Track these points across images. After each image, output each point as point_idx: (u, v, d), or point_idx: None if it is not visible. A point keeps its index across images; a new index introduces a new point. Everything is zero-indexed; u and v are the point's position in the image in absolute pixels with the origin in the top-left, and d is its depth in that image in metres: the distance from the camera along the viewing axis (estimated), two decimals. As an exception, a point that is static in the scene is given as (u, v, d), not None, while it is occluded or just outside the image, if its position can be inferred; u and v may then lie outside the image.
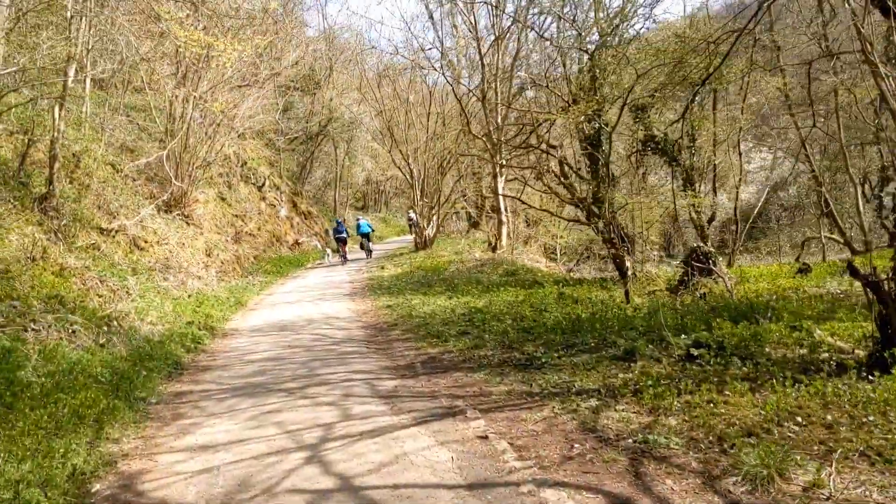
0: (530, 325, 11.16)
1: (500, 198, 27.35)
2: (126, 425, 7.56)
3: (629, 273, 13.83)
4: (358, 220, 33.01)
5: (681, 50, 11.66)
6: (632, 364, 8.38)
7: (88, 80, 20.11)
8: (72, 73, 16.28)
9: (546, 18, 23.98)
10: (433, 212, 31.06)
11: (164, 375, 10.16)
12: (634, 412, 6.78)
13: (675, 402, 6.72)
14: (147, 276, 17.45)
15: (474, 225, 37.96)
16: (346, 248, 29.86)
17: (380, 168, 50.17)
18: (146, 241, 19.79)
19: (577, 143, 20.04)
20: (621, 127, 18.03)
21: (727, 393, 6.82)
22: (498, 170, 27.23)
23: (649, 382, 7.32)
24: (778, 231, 36.79)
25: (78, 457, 6.37)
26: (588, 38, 17.14)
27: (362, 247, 31.42)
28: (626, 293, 13.54)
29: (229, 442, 6.81)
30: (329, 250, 31.16)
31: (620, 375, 8.01)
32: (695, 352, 8.01)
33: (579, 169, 18.04)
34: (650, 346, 8.96)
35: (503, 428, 6.67)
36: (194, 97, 23.52)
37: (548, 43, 20.45)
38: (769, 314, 9.86)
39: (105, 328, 11.58)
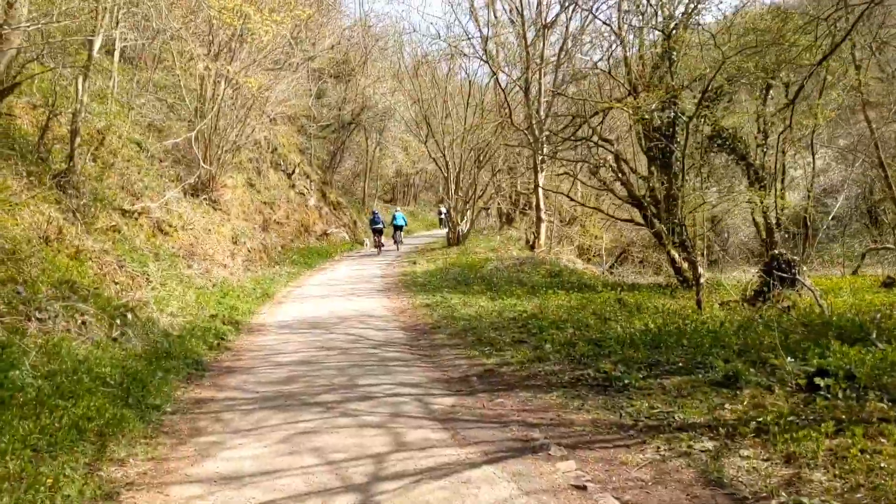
0: (598, 337, 9.73)
1: (541, 194, 25.89)
2: (135, 440, 6.26)
3: (701, 280, 12.34)
4: (395, 212, 33.70)
5: (782, 28, 10.21)
6: (737, 392, 6.96)
7: (117, 54, 18.92)
8: (98, 43, 15.10)
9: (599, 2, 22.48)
10: (467, 206, 29.68)
11: (182, 377, 8.87)
12: (765, 459, 5.36)
13: (817, 449, 5.29)
14: (170, 263, 16.24)
15: (508, 221, 36.53)
16: (382, 238, 30.49)
17: (410, 160, 48.83)
18: (170, 226, 18.59)
19: (632, 137, 18.54)
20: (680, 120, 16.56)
21: (882, 441, 5.38)
22: (539, 164, 25.79)
23: (771, 419, 5.90)
24: (826, 241, 34.98)
25: (72, 486, 5.08)
26: (653, 21, 15.66)
27: (394, 238, 31.93)
28: (699, 302, 12.08)
29: (258, 473, 5.48)
30: (367, 239, 32.49)
31: (728, 406, 6.58)
32: (820, 382, 6.57)
33: (632, 165, 16.59)
34: (752, 369, 7.51)
35: (601, 473, 5.28)
36: (226, 76, 22.33)
37: (604, 27, 18.98)
38: (882, 335, 8.38)
39: (120, 320, 10.32)
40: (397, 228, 31.62)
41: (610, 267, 32.38)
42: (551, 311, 12.37)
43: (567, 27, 24.77)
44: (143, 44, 21.58)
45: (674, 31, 12.93)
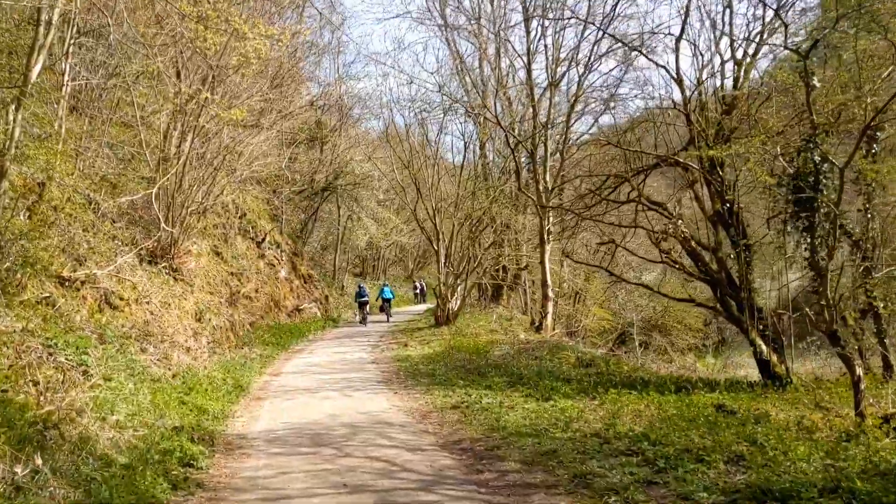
0: (780, 486, 6.20)
1: (547, 269, 22.66)
2: None
3: (861, 385, 8.99)
4: (383, 286, 34.80)
5: None
6: None
7: (65, 89, 15.45)
8: (38, 65, 11.69)
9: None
10: (458, 282, 26.27)
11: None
12: None
13: None
14: (118, 347, 12.47)
15: (494, 299, 33.13)
16: (367, 311, 30.92)
17: (383, 232, 45.48)
18: (122, 299, 14.88)
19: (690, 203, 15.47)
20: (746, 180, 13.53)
21: None
22: (546, 236, 22.65)
23: None
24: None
25: None
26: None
27: (382, 310, 32.69)
28: (860, 414, 8.74)
29: None
30: (355, 312, 32.59)
31: None
32: None
33: (690, 238, 13.38)
34: None
35: None
36: (195, 126, 18.99)
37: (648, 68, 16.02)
38: None
39: (33, 446, 6.57)
40: (386, 301, 32.17)
41: (612, 348, 29.10)
42: (656, 430, 8.88)
43: (581, 83, 21.98)
44: (98, 84, 18.23)
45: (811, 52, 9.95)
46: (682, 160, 13.67)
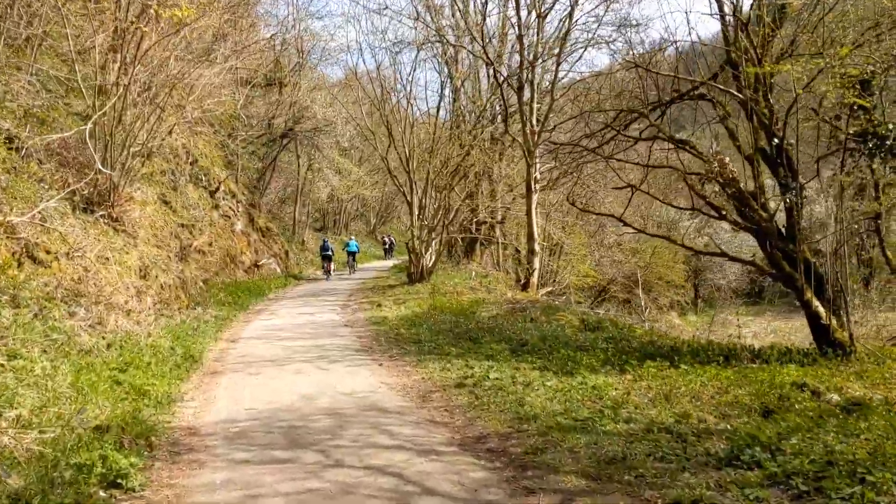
0: None
1: (534, 221, 20.43)
2: None
3: None
4: (349, 239, 34.73)
5: None
6: None
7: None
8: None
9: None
10: (433, 236, 23.91)
11: None
12: None
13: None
14: (37, 312, 9.97)
15: (467, 255, 30.86)
16: (331, 265, 30.85)
17: (345, 185, 42.74)
18: (48, 252, 12.30)
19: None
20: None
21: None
22: (533, 184, 20.37)
23: None
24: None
25: None
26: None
27: (348, 264, 32.85)
28: None
29: None
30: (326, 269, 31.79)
31: None
32: None
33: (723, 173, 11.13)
34: None
35: None
36: (136, 54, 16.21)
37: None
38: None
39: None
40: (351, 254, 32.46)
41: (591, 305, 27.19)
42: (715, 412, 6.78)
43: (572, 15, 19.51)
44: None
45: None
46: (720, 86, 11.42)
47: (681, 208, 18.45)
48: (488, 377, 9.61)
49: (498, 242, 32.09)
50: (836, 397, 7.64)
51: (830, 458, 5.25)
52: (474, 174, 24.25)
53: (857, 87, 9.47)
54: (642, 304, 21.83)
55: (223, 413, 8.11)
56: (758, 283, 31.50)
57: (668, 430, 6.63)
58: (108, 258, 14.40)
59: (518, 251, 35.51)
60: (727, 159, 10.77)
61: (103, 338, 10.80)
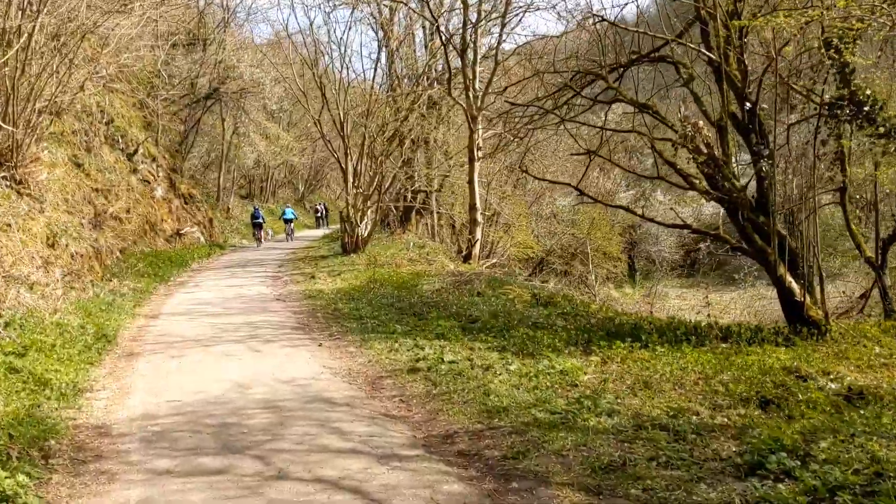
0: None
1: (476, 190, 19.45)
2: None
3: None
4: (285, 207, 36.01)
5: None
6: None
7: None
8: None
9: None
10: (368, 204, 22.70)
11: None
12: None
13: None
14: (-84, 286, 8.54)
15: (401, 224, 29.68)
16: (262, 233, 30.86)
17: (272, 151, 40.79)
18: (-65, 217, 10.75)
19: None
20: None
21: None
22: (476, 152, 19.37)
23: None
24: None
25: None
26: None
27: (286, 232, 32.67)
28: None
29: None
30: (269, 232, 33.25)
31: None
32: None
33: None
34: None
35: None
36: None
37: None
38: None
39: None
40: (287, 222, 32.32)
41: (528, 277, 26.49)
42: (705, 401, 5.99)
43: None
44: None
45: None
46: (691, 44, 10.58)
47: (644, 176, 17.76)
48: (443, 360, 8.62)
49: (434, 212, 31.08)
50: (831, 385, 6.94)
51: (877, 468, 4.44)
52: (411, 141, 23.06)
53: (845, 47, 8.72)
54: (593, 277, 20.98)
55: (140, 406, 6.90)
56: (692, 255, 31.42)
57: (662, 427, 5.76)
58: (9, 224, 12.84)
59: (454, 221, 34.61)
60: (701, 123, 9.97)
61: (0, 315, 9.37)
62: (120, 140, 23.38)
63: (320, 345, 9.99)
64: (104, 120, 22.28)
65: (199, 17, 30.01)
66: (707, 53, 10.30)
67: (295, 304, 14.08)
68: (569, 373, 7.76)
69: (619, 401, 6.67)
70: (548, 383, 7.43)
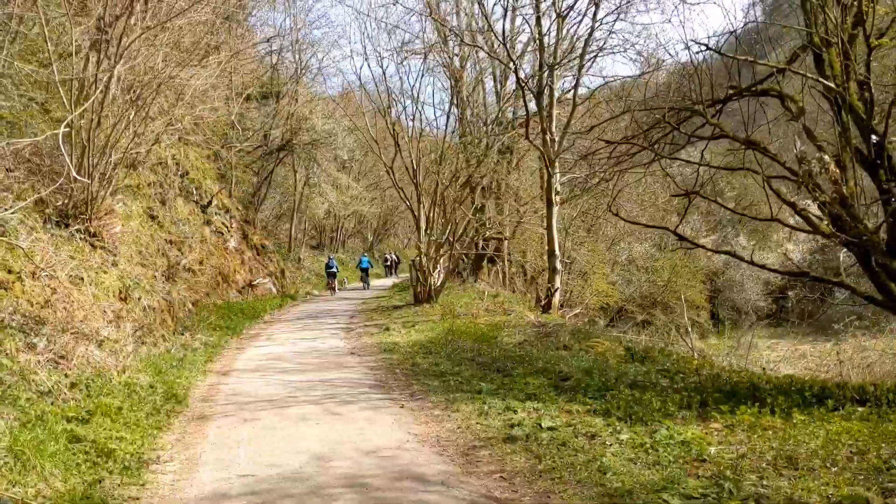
0: None
1: (555, 236, 18.52)
2: None
3: None
4: (361, 256, 37.94)
5: None
6: None
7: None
8: None
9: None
10: (441, 253, 21.98)
11: None
12: None
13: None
14: (-19, 346, 8.02)
15: (473, 272, 28.88)
16: (335, 282, 31.54)
17: (343, 201, 40.73)
18: (9, 271, 10.40)
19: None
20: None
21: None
22: (553, 196, 18.50)
23: None
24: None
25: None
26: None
27: (361, 279, 33.91)
28: None
29: None
30: (345, 280, 34.26)
31: None
32: None
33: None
34: None
35: None
36: (116, 49, 14.39)
37: None
38: None
39: None
40: (364, 270, 33.75)
41: (606, 327, 25.24)
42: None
43: (595, 13, 17.77)
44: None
45: None
46: (808, 73, 9.55)
47: (759, 219, 16.45)
48: (540, 425, 7.65)
49: (506, 260, 30.22)
50: None
51: None
52: (482, 188, 22.34)
53: None
54: (689, 328, 19.44)
55: (210, 483, 6.11)
56: (780, 304, 29.62)
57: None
58: (81, 278, 12.47)
59: (525, 269, 33.64)
60: (827, 157, 8.88)
61: (66, 375, 8.81)
62: (194, 192, 23.33)
63: (402, 406, 9.12)
64: (179, 172, 22.26)
65: (273, 69, 30.19)
66: (823, 82, 9.25)
67: (370, 358, 13.30)
68: (692, 444, 6.70)
69: (763, 482, 5.59)
70: (670, 457, 6.39)
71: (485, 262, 29.07)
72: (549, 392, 9.50)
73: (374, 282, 38.78)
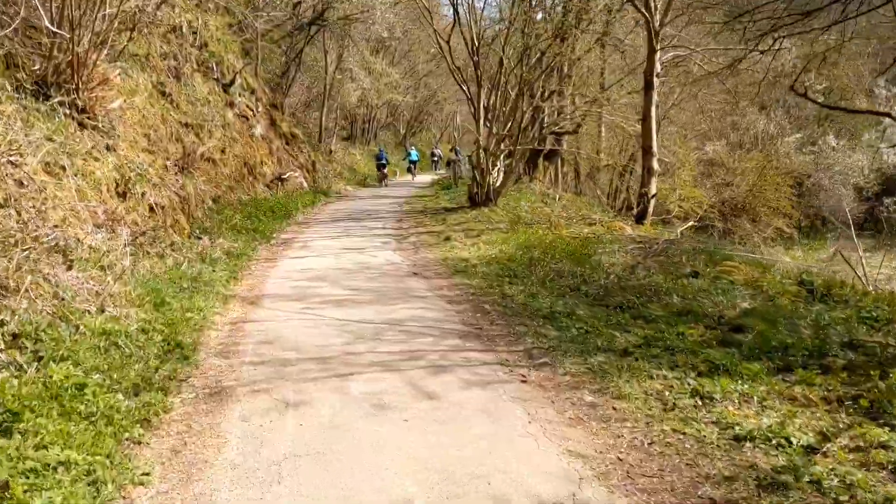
0: None
1: (653, 129, 14.73)
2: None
3: None
4: (410, 148, 38.87)
5: None
6: None
7: None
8: None
9: None
10: (501, 148, 18.27)
11: None
12: None
13: None
14: None
15: (527, 172, 25.14)
16: (386, 173, 31.25)
17: (377, 88, 36.51)
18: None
19: None
20: None
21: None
22: (653, 77, 14.61)
23: None
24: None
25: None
26: None
27: (409, 170, 35.34)
28: None
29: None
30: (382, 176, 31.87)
31: None
32: None
33: None
34: None
35: None
36: None
37: None
38: None
39: None
40: (412, 163, 35.11)
41: (688, 230, 21.57)
42: None
43: None
44: None
45: None
46: None
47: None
48: (789, 441, 4.31)
49: (562, 158, 26.47)
50: None
51: None
52: (558, 69, 18.35)
53: None
54: (859, 251, 15.47)
55: None
56: (873, 212, 25.77)
57: None
58: (63, 166, 9.06)
59: (576, 167, 29.92)
60: None
61: (1, 323, 5.49)
62: (215, 68, 19.54)
63: (524, 380, 5.77)
64: (196, 43, 18.46)
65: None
66: None
67: (442, 283, 9.91)
68: None
69: None
70: None
71: (540, 159, 25.33)
72: (732, 359, 6.12)
73: (407, 177, 35.87)
